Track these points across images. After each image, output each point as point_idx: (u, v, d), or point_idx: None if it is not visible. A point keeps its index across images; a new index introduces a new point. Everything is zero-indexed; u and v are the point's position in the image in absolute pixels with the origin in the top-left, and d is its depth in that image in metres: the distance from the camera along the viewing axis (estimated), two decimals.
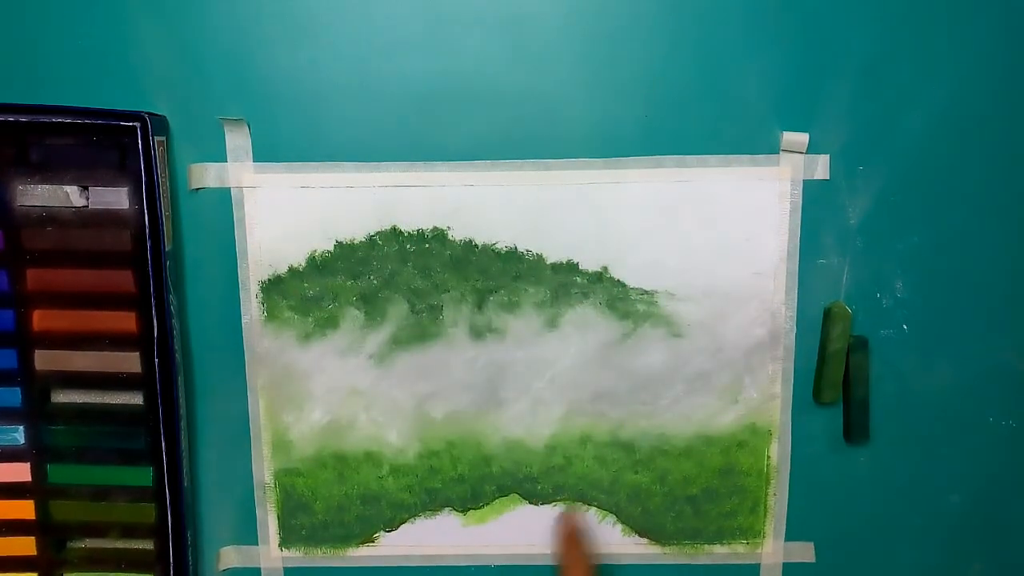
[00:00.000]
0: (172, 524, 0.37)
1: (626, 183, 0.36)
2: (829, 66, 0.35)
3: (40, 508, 0.37)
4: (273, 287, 0.37)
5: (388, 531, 0.39)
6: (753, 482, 0.38)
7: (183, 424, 0.37)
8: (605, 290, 0.37)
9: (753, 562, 0.39)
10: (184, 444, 0.37)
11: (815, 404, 0.37)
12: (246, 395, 0.38)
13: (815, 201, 0.36)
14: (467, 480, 0.38)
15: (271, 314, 0.37)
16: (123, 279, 0.35)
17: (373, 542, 0.39)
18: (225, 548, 0.39)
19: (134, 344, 0.36)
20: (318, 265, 0.37)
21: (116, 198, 0.35)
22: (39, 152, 0.35)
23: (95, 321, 0.36)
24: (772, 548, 0.39)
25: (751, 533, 0.39)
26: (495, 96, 0.35)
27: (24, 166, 0.34)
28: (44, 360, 0.36)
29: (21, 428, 0.36)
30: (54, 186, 0.35)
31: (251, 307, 0.37)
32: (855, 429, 0.36)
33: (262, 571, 0.39)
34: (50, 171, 0.34)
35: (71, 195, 0.35)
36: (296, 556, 0.39)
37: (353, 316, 0.37)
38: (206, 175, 0.36)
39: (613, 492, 0.38)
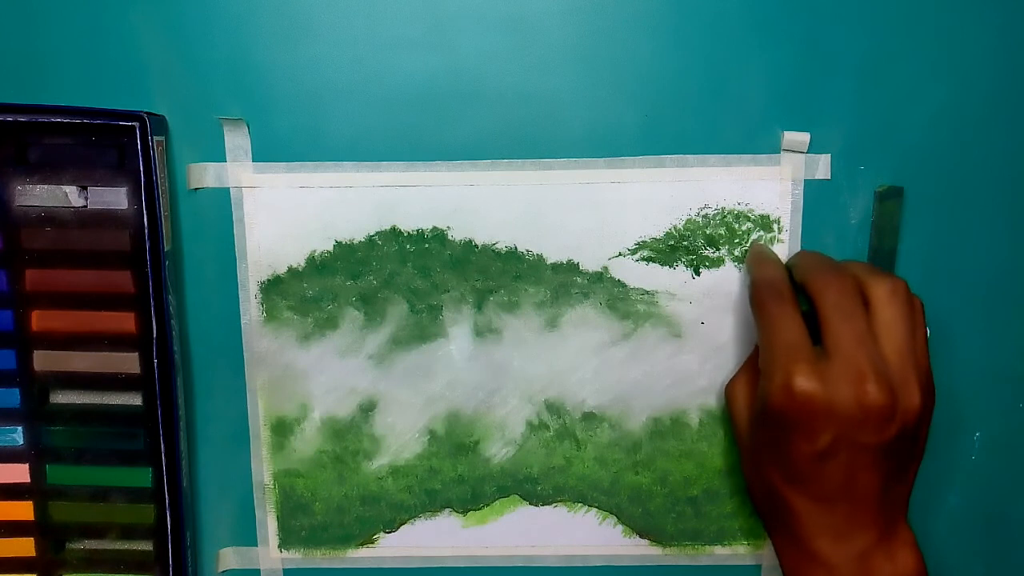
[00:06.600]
0: (171, 525, 0.37)
1: (626, 183, 0.36)
2: (830, 66, 0.35)
3: (39, 509, 0.37)
4: (272, 287, 0.37)
5: (388, 532, 0.39)
6: None
7: (182, 425, 0.37)
8: (605, 290, 0.36)
9: (754, 563, 0.39)
10: (183, 445, 0.37)
11: None
12: (245, 395, 0.37)
13: (816, 201, 0.36)
14: (467, 481, 0.38)
15: (270, 314, 0.37)
16: (122, 279, 0.35)
17: (373, 543, 0.39)
18: (224, 549, 0.39)
19: (133, 345, 0.35)
20: (317, 265, 0.36)
21: (115, 198, 0.35)
22: (37, 152, 0.35)
23: (94, 322, 0.35)
24: None
25: (752, 534, 0.39)
26: (495, 96, 0.35)
27: (22, 166, 0.34)
28: (43, 361, 0.36)
29: (20, 429, 0.36)
30: (53, 186, 0.35)
31: (250, 307, 0.37)
32: None
33: (261, 572, 0.39)
34: (49, 171, 0.34)
35: (70, 195, 0.35)
36: (295, 557, 0.39)
37: (353, 316, 0.37)
38: (205, 175, 0.36)
39: (613, 493, 0.38)
